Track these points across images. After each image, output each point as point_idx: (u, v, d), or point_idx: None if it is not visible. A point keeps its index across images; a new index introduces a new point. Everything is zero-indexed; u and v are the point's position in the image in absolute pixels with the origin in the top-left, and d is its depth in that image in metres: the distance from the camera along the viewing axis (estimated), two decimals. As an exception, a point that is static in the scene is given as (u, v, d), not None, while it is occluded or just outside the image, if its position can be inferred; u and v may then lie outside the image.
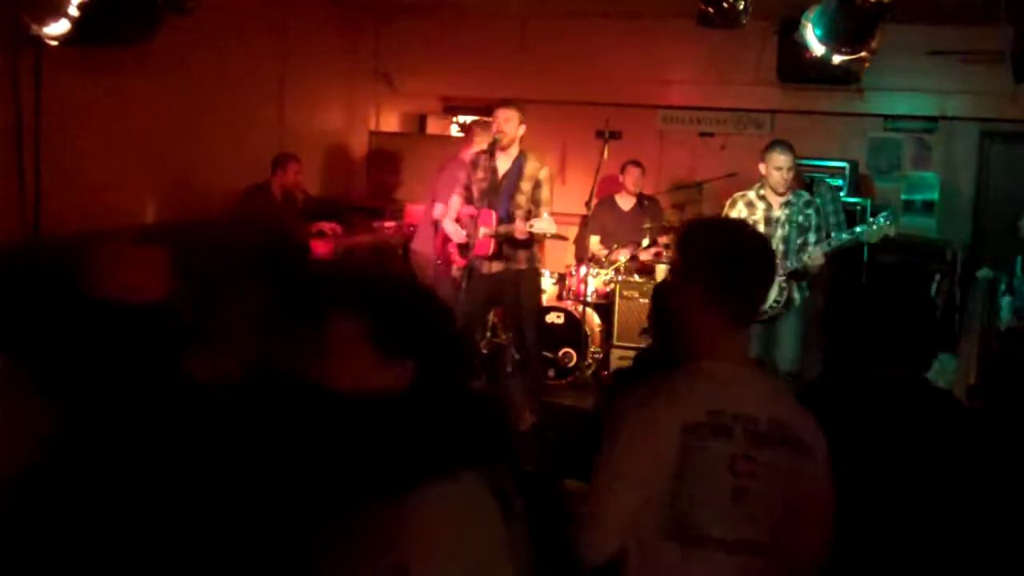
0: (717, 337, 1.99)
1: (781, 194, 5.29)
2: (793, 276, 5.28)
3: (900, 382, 2.33)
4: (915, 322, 2.34)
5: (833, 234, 5.37)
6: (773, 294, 5.36)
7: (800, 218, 5.27)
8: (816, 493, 1.99)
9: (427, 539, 1.55)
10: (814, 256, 5.15)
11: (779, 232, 5.30)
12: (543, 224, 5.37)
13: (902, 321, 2.33)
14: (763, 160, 5.34)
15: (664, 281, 5.23)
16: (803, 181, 6.33)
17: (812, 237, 5.26)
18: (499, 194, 5.48)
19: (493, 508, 1.66)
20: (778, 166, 5.23)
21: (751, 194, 5.42)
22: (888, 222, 5.08)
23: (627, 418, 1.97)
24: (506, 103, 5.59)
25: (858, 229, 5.22)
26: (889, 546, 2.20)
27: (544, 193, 5.58)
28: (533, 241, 5.63)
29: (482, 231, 5.43)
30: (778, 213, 5.31)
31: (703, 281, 2.00)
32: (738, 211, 5.43)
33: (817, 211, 5.29)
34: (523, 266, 5.61)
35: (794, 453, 1.96)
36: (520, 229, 5.39)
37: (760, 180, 5.39)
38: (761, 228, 5.35)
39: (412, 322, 1.72)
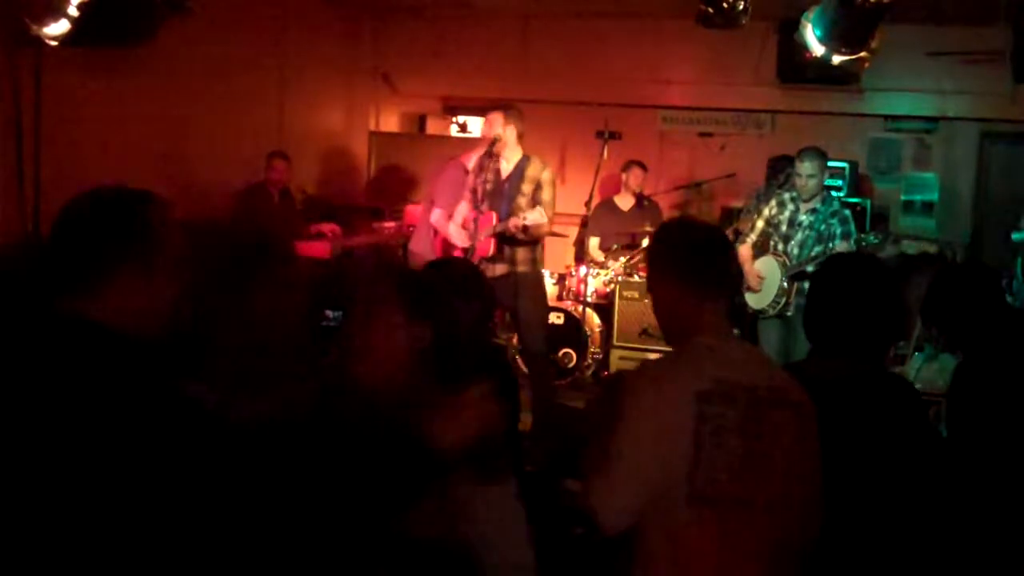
0: (697, 315, 2.20)
1: (806, 201, 5.34)
2: (796, 278, 5.29)
3: (856, 375, 2.42)
4: (863, 313, 2.46)
5: (861, 235, 5.37)
6: (772, 294, 5.37)
7: (822, 227, 5.29)
8: (811, 449, 2.16)
9: None
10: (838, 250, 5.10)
11: (799, 235, 5.35)
12: (534, 215, 5.33)
13: (849, 311, 2.48)
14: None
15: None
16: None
17: (841, 245, 5.19)
18: (501, 196, 5.47)
19: None
20: (799, 173, 5.32)
21: (786, 195, 5.50)
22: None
23: (640, 390, 2.10)
24: (494, 107, 5.58)
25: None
26: (858, 539, 2.28)
27: (546, 195, 5.54)
28: (536, 242, 5.59)
29: (483, 233, 5.41)
30: (803, 218, 5.36)
31: (675, 268, 2.25)
32: (770, 207, 5.53)
33: (843, 220, 5.27)
34: (523, 268, 5.57)
35: (793, 414, 2.13)
36: (514, 223, 5.35)
37: None
38: (783, 228, 5.40)
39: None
